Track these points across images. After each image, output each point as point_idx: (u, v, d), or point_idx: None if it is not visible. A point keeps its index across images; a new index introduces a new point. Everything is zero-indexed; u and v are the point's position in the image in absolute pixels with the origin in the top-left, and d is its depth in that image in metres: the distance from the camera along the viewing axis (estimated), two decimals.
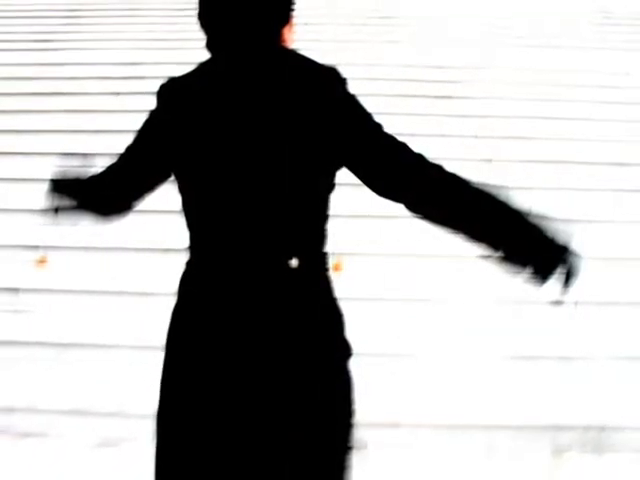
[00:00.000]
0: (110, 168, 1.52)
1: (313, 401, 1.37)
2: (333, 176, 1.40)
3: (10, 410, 2.75)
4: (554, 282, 1.32)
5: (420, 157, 1.36)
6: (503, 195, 1.35)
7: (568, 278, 1.32)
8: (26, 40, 5.79)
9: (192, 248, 1.42)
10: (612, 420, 2.71)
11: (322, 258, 1.42)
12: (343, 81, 1.38)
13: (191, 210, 1.41)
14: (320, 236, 1.41)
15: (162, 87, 1.42)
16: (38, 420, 2.72)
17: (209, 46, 1.41)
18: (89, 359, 3.00)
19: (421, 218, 1.38)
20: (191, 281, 1.42)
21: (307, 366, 1.36)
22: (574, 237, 1.33)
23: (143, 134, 1.46)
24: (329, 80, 1.37)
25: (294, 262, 1.35)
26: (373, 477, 2.43)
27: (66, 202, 1.56)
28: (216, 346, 1.36)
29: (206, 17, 1.40)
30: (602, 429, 2.66)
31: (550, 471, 2.56)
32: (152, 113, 1.44)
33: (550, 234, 1.33)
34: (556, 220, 1.34)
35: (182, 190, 1.41)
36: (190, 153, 1.37)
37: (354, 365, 1.41)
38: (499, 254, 1.33)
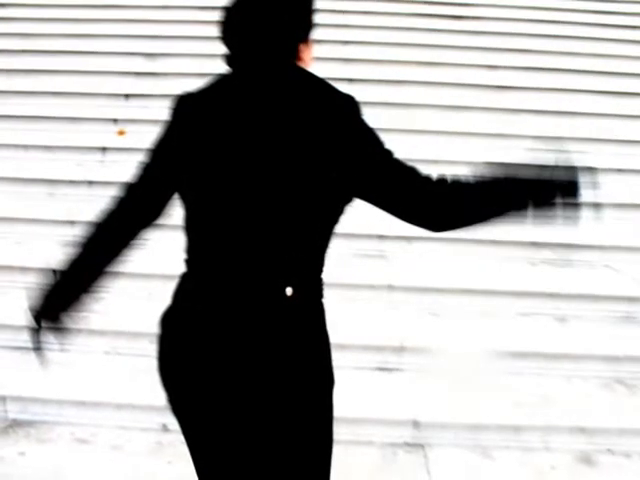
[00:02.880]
0: (128, 185, 1.42)
1: (296, 424, 1.35)
2: (340, 208, 1.34)
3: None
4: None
5: (428, 178, 1.32)
6: (505, 172, 1.34)
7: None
8: None
9: (189, 262, 1.37)
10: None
11: (317, 286, 1.37)
12: (358, 109, 1.31)
13: (192, 226, 1.35)
14: (319, 265, 1.36)
15: (177, 101, 1.37)
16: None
17: (227, 60, 1.36)
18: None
19: (448, 230, 1.35)
20: (185, 295, 1.37)
21: (291, 389, 1.33)
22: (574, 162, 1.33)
23: (157, 147, 1.39)
24: (344, 107, 1.30)
25: (289, 290, 1.29)
26: None
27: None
28: (205, 364, 1.32)
29: (224, 32, 1.35)
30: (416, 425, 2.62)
31: None
32: (166, 126, 1.38)
33: (556, 172, 1.32)
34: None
35: (185, 205, 1.36)
36: (198, 169, 1.31)
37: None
38: (530, 211, 1.32)
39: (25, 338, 1.46)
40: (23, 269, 3.36)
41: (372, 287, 3.32)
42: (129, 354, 2.95)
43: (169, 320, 1.39)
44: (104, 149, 4.45)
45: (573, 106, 4.87)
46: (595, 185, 1.32)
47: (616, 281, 3.43)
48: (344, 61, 5.20)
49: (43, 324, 1.40)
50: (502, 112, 4.78)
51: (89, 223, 1.41)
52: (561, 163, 1.33)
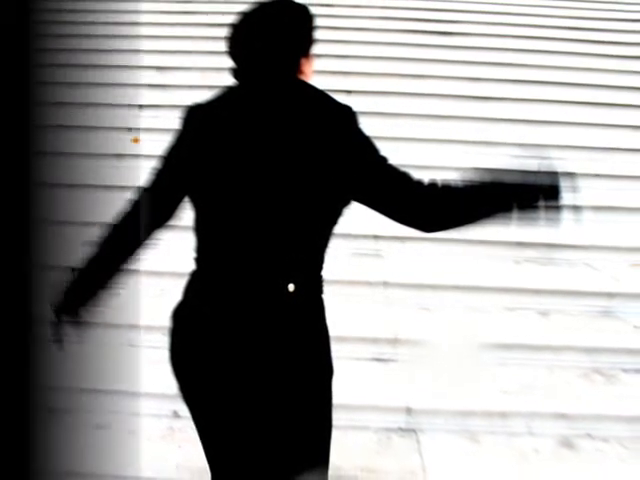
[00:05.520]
0: (141, 189, 1.42)
1: (298, 411, 1.36)
2: (339, 211, 1.34)
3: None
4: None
5: (420, 182, 1.33)
6: (491, 177, 1.34)
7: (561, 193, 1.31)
8: None
9: (199, 260, 1.37)
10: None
11: (318, 282, 1.36)
12: (355, 118, 1.31)
13: (201, 227, 1.35)
14: (319, 263, 1.36)
15: (187, 111, 1.37)
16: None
17: (233, 73, 1.36)
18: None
19: (439, 231, 1.35)
20: (195, 292, 1.37)
21: (294, 379, 1.33)
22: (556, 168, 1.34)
23: (169, 154, 1.39)
24: (342, 117, 1.31)
25: (291, 287, 1.29)
26: None
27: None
28: (213, 356, 1.32)
29: (231, 47, 1.35)
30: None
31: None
32: (176, 134, 1.38)
33: (539, 177, 1.33)
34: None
35: (195, 208, 1.36)
36: (206, 175, 1.31)
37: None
38: (515, 213, 1.32)
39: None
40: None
41: (368, 284, 3.33)
42: (143, 346, 2.94)
43: (180, 315, 1.39)
44: (119, 155, 4.44)
45: (552, 115, 4.87)
46: (575, 189, 1.33)
47: (595, 278, 3.43)
48: (342, 74, 5.20)
49: (63, 318, 1.40)
50: (486, 121, 4.80)
51: (106, 224, 1.41)
52: (543, 169, 1.34)
